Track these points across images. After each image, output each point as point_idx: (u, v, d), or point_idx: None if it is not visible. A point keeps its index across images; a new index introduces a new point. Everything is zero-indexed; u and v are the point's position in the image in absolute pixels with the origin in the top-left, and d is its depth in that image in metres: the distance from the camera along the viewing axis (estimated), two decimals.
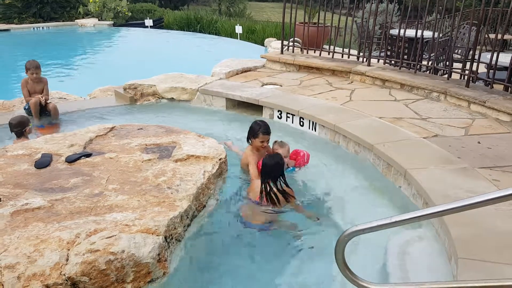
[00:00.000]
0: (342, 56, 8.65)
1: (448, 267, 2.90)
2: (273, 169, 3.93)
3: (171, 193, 3.44)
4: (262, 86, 7.47)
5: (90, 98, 8.12)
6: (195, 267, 3.13)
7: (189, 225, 3.39)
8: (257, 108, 6.55)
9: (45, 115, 6.37)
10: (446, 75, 6.87)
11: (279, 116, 6.26)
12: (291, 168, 4.65)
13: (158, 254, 2.83)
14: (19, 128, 5.43)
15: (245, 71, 8.55)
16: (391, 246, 3.39)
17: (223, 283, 3.15)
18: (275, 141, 4.71)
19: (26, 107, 6.39)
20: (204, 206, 3.71)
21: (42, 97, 6.34)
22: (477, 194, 3.44)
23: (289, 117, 6.12)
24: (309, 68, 8.48)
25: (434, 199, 3.45)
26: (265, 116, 6.44)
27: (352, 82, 7.70)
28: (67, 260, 2.61)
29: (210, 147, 4.43)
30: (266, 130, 4.49)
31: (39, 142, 4.41)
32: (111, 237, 2.77)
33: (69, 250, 2.68)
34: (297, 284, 3.10)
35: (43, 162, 3.90)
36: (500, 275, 2.54)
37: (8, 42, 17.27)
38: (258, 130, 4.47)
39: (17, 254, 2.62)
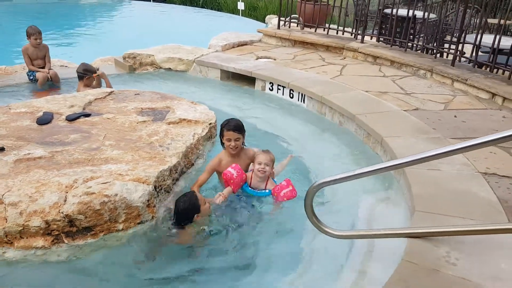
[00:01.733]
0: (337, 33, 8.84)
1: (409, 222, 3.22)
2: (185, 214, 3.22)
3: (162, 150, 3.74)
4: (256, 59, 7.70)
5: None
6: None
7: (177, 179, 3.70)
8: (250, 80, 6.80)
9: (46, 81, 6.62)
10: (435, 55, 7.10)
11: (271, 88, 6.52)
12: (266, 191, 3.71)
13: (148, 200, 3.15)
14: (81, 73, 6.00)
15: (241, 45, 8.76)
16: (362, 205, 3.71)
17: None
18: (262, 150, 3.87)
19: (31, 77, 6.61)
20: (193, 164, 4.02)
21: (48, 72, 6.57)
22: (444, 160, 3.75)
23: (279, 89, 6.39)
24: (304, 44, 8.69)
25: None
26: (257, 87, 6.71)
27: (345, 58, 7.92)
28: (65, 200, 2.93)
29: (201, 112, 4.71)
30: (232, 127, 3.71)
31: (41, 102, 4.70)
32: (106, 183, 3.09)
33: (67, 192, 2.99)
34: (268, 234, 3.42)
35: (45, 119, 4.20)
36: (447, 224, 2.85)
37: (11, 12, 17.36)
38: (223, 126, 3.79)
39: (19, 194, 2.94)
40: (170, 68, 7.34)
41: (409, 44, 7.51)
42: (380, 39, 8.18)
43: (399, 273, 2.37)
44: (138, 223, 3.13)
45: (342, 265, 2.90)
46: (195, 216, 3.23)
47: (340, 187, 3.90)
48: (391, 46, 7.75)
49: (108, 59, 8.82)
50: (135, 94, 5.23)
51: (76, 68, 6.17)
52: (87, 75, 6.02)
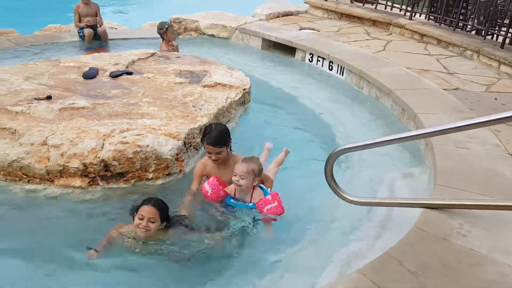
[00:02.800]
0: (385, 8, 8.59)
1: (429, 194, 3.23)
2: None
3: (195, 110, 3.91)
4: (299, 30, 7.66)
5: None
6: None
7: None
8: (290, 50, 6.82)
9: (95, 39, 6.93)
10: (484, 36, 6.78)
11: (310, 59, 6.51)
12: (250, 204, 3.09)
13: (177, 154, 3.34)
14: (159, 31, 6.27)
15: (286, 15, 8.72)
16: (386, 178, 3.73)
17: None
18: (244, 158, 3.13)
19: (81, 34, 6.94)
20: None
21: (97, 26, 6.88)
22: (475, 139, 3.70)
23: (319, 61, 6.37)
24: (350, 17, 8.53)
25: (433, 138, 3.71)
26: (297, 58, 6.72)
27: (390, 34, 7.73)
28: (102, 147, 3.17)
29: (237, 78, 4.83)
30: (212, 140, 3.06)
31: (88, 58, 4.99)
32: (139, 135, 3.30)
33: (104, 140, 3.23)
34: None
35: (90, 74, 4.47)
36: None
37: None
38: (203, 136, 3.15)
39: (62, 138, 3.21)
40: (213, 35, 7.47)
41: (459, 23, 7.20)
42: (430, 17, 7.88)
43: (408, 238, 2.44)
44: (167, 175, 3.33)
45: (355, 231, 2.98)
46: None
47: (366, 160, 3.96)
48: (440, 25, 7.46)
49: (156, 24, 9.06)
50: (176, 57, 5.41)
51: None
52: (163, 30, 6.20)
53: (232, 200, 3.12)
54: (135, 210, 2.72)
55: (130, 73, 4.64)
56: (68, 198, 3.09)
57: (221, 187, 3.10)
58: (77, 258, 2.59)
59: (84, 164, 3.09)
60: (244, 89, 4.62)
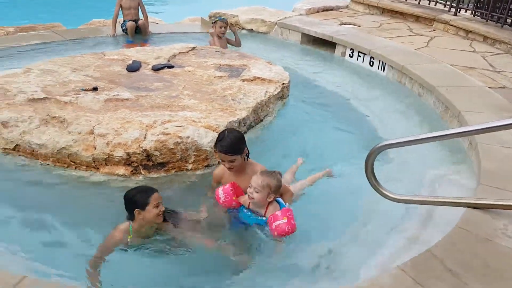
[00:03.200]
0: (429, 3, 8.34)
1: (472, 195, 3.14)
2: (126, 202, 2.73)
3: (234, 104, 3.96)
4: (340, 25, 7.57)
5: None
6: None
7: (245, 132, 3.89)
8: (330, 45, 6.75)
9: (137, 33, 7.08)
10: None
11: (351, 55, 6.43)
12: (263, 219, 2.89)
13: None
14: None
15: (327, 10, 8.63)
16: (427, 176, 3.65)
17: None
18: (264, 171, 2.94)
19: (123, 28, 7.13)
20: (261, 120, 4.20)
21: (139, 21, 7.07)
22: None
23: (360, 56, 6.27)
24: (392, 12, 8.34)
25: (477, 137, 3.59)
26: (336, 53, 6.65)
27: (434, 30, 7.50)
28: (145, 137, 3.27)
29: (276, 72, 4.84)
30: (224, 148, 2.88)
31: (131, 51, 5.13)
32: (180, 126, 3.38)
33: (147, 131, 3.33)
34: None
35: (134, 67, 4.60)
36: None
37: None
38: (216, 142, 2.96)
39: (107, 127, 3.33)
40: (252, 29, 7.50)
41: (507, 19, 6.90)
42: (476, 13, 7.58)
43: (450, 237, 2.39)
44: (206, 166, 3.40)
45: (395, 228, 2.94)
46: (136, 211, 2.68)
47: (408, 157, 3.88)
48: (486, 21, 7.17)
49: (196, 19, 9.19)
50: (216, 51, 5.48)
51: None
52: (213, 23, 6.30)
53: (245, 211, 2.95)
54: (136, 206, 2.64)
55: (171, 67, 4.74)
56: (112, 185, 3.20)
57: (234, 197, 2.94)
58: None
59: (128, 153, 3.20)
60: (283, 84, 4.63)
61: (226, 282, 2.59)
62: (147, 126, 3.38)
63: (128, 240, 2.69)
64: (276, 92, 4.45)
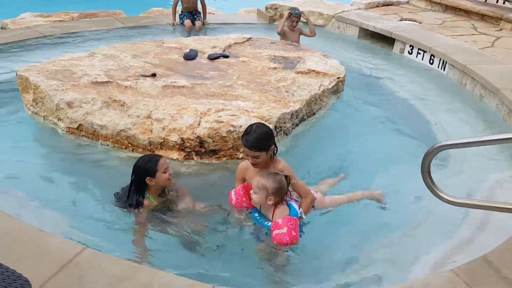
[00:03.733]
0: (497, 2, 7.86)
1: None
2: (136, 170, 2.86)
3: (287, 96, 3.94)
4: (400, 20, 7.33)
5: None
6: (295, 157, 3.63)
7: (297, 124, 3.89)
8: (389, 41, 6.56)
9: (191, 30, 7.16)
10: None
11: (410, 51, 6.21)
12: (267, 224, 2.75)
13: None
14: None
15: (386, 5, 8.37)
16: (487, 180, 3.49)
17: (315, 175, 3.58)
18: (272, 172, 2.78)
19: (181, 21, 7.24)
20: (314, 113, 4.16)
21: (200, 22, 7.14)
22: None
23: (419, 53, 6.05)
24: (456, 10, 7.95)
25: None
26: (395, 49, 6.45)
27: (501, 29, 7.08)
28: (199, 124, 3.34)
29: (331, 66, 4.77)
30: (249, 143, 2.73)
31: (189, 40, 5.24)
32: (233, 115, 3.41)
33: (201, 118, 3.39)
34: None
35: (190, 55, 4.69)
36: None
37: None
38: (242, 136, 2.84)
39: (164, 113, 3.42)
40: None
41: None
42: None
43: (508, 244, 2.26)
44: None
45: (450, 231, 2.83)
46: (148, 179, 2.81)
47: (466, 159, 3.71)
48: None
49: (251, 10, 9.23)
50: (271, 43, 5.48)
51: None
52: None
53: (256, 214, 2.82)
54: (147, 175, 2.79)
55: (226, 56, 4.79)
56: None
57: (244, 199, 2.85)
58: None
59: (182, 139, 3.28)
60: (338, 78, 4.56)
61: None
62: (201, 113, 3.44)
63: (155, 204, 2.89)
64: (330, 86, 4.39)
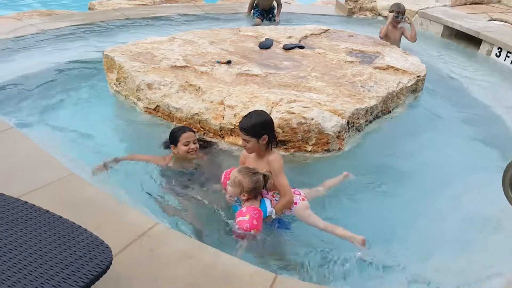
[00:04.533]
0: None
1: None
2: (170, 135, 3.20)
3: (363, 91, 3.82)
4: (489, 20, 6.83)
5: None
6: (364, 155, 3.52)
7: (371, 121, 3.76)
8: (475, 41, 6.14)
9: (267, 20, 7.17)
10: None
11: (498, 54, 5.77)
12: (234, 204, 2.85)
13: (339, 132, 3.33)
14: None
15: (475, 3, 7.83)
16: None
17: (381, 175, 3.44)
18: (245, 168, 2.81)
19: (256, 14, 7.25)
20: (390, 111, 4.00)
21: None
22: None
23: (508, 57, 5.60)
24: None
25: None
26: (481, 51, 6.02)
27: None
28: (270, 113, 3.32)
29: (412, 63, 4.56)
30: (240, 124, 2.82)
31: (265, 29, 5.24)
32: (305, 107, 3.37)
33: (272, 108, 3.38)
34: None
35: (266, 44, 4.70)
36: None
37: None
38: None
39: (236, 100, 3.46)
40: None
41: None
42: None
43: None
44: (325, 150, 3.35)
45: None
46: (172, 146, 3.14)
47: None
48: None
49: (329, 1, 9.07)
50: (349, 36, 5.34)
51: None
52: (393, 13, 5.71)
53: (236, 202, 2.84)
54: (172, 142, 3.11)
55: (302, 47, 4.74)
56: (234, 154, 3.34)
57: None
58: None
59: None
60: (418, 76, 4.34)
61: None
62: (273, 103, 3.44)
63: (170, 164, 3.17)
64: (409, 84, 4.20)
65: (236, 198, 2.82)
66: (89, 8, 7.72)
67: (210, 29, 5.25)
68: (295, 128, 3.25)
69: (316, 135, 3.28)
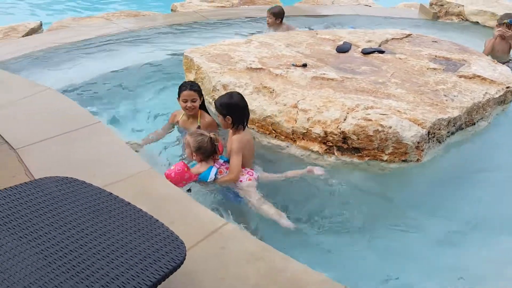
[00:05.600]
0: None
1: None
2: None
3: (446, 100, 3.61)
4: None
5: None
6: (444, 167, 3.33)
7: (453, 133, 3.54)
8: None
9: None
10: None
11: None
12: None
13: (418, 142, 3.17)
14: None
15: None
16: None
17: (467, 195, 3.23)
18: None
19: None
20: (474, 123, 3.74)
21: None
22: None
23: None
24: None
25: None
26: None
27: None
28: (344, 119, 3.26)
29: (501, 73, 4.23)
30: (216, 100, 3.35)
31: (343, 33, 5.14)
32: (383, 114, 3.25)
33: (347, 113, 3.30)
34: None
35: (344, 48, 4.60)
36: None
37: None
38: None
39: (310, 104, 3.42)
40: (477, 22, 6.70)
41: None
42: None
43: None
44: (402, 161, 3.21)
45: None
46: (177, 99, 3.63)
47: None
48: None
49: (411, 5, 8.71)
50: (432, 41, 5.07)
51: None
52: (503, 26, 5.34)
53: None
54: (178, 94, 3.50)
55: (381, 52, 4.58)
56: (305, 160, 3.32)
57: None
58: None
59: (325, 132, 3.24)
60: (507, 87, 4.02)
61: None
62: (348, 108, 3.35)
63: (179, 119, 3.66)
64: (497, 95, 3.89)
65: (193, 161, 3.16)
66: (172, 10, 8.08)
67: (287, 32, 5.25)
68: (371, 135, 3.14)
69: (393, 144, 3.15)
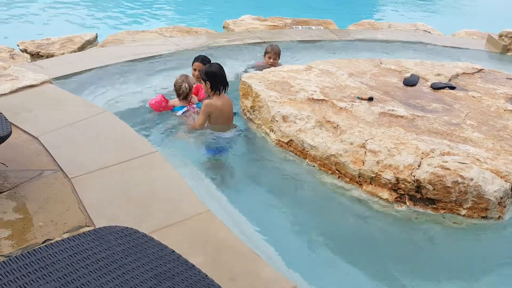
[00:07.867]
0: None
1: None
2: None
3: None
4: None
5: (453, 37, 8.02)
6: None
7: None
8: None
9: None
10: None
11: None
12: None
13: (501, 198, 2.82)
14: None
15: None
16: None
17: None
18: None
19: None
20: None
21: None
22: None
23: None
24: None
25: None
26: None
27: None
28: (419, 166, 2.95)
29: None
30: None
31: (410, 64, 4.82)
32: (463, 163, 2.92)
33: (422, 159, 3.00)
34: None
35: (411, 81, 4.29)
36: None
37: None
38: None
39: (380, 144, 3.14)
40: None
41: None
42: None
43: None
44: (482, 217, 2.87)
45: None
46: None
47: None
48: None
49: (473, 33, 8.23)
50: (507, 78, 4.67)
51: None
52: None
53: None
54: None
55: (452, 88, 4.24)
56: (371, 206, 3.02)
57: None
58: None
59: (397, 179, 2.94)
60: None
61: None
62: (422, 153, 3.05)
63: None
64: None
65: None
66: (224, 27, 7.99)
67: (348, 59, 4.99)
68: (449, 187, 2.82)
69: (473, 199, 2.82)
